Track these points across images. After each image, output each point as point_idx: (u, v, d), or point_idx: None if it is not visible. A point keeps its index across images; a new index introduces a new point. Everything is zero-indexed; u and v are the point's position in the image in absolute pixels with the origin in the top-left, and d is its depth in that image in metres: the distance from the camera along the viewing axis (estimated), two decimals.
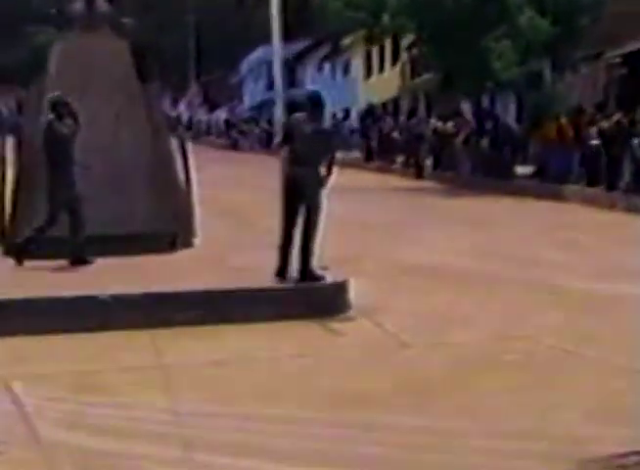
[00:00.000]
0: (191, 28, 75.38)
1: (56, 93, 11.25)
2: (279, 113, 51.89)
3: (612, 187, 18.91)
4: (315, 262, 9.94)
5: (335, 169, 9.73)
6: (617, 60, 25.36)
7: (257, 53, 63.68)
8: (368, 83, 47.61)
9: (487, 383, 6.94)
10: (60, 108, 11.05)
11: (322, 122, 9.89)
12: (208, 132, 61.62)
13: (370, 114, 41.02)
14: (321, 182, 9.71)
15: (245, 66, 68.31)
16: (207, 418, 6.28)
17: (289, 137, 9.71)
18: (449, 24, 23.70)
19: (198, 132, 59.37)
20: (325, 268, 10.46)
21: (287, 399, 6.68)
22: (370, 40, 31.30)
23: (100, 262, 10.65)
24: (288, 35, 57.12)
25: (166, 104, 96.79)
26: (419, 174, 28.27)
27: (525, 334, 8.37)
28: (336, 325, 8.88)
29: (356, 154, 37.66)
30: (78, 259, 10.77)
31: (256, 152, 45.15)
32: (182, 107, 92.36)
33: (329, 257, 12.86)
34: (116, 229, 11.33)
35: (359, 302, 9.62)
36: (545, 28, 22.83)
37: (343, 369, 7.49)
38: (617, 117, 19.62)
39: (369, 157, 35.41)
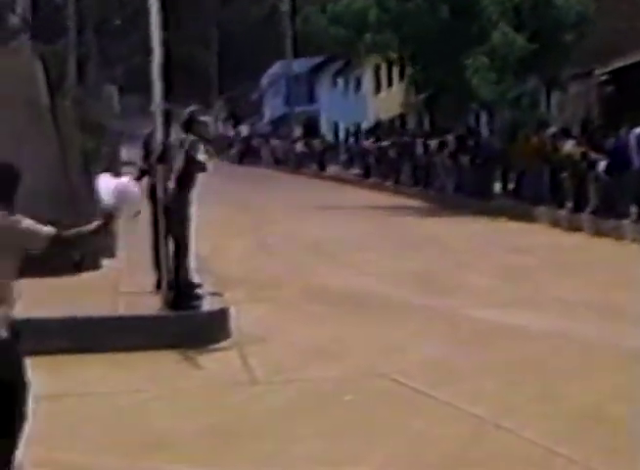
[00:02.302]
0: (215, 43, 75.39)
1: (190, 108, 10.08)
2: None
3: (578, 209, 18.33)
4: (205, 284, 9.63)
5: None
6: (605, 77, 24.74)
7: (275, 68, 63.37)
8: (378, 99, 46.99)
9: (308, 426, 6.44)
10: (195, 128, 9.85)
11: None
12: (230, 146, 60.64)
13: (374, 130, 40.57)
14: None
15: (264, 81, 67.98)
16: None
17: (164, 157, 9.30)
18: (429, 40, 23.12)
19: (221, 148, 58.56)
20: (217, 294, 10.08)
21: (89, 442, 6.26)
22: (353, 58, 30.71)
23: None
24: (304, 50, 56.85)
25: None
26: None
27: (391, 370, 7.84)
28: (200, 357, 8.43)
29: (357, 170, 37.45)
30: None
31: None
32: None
33: (251, 280, 12.55)
34: None
35: (247, 330, 9.24)
36: (520, 44, 22.13)
37: (173, 407, 7.05)
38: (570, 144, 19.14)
39: (367, 174, 35.01)
